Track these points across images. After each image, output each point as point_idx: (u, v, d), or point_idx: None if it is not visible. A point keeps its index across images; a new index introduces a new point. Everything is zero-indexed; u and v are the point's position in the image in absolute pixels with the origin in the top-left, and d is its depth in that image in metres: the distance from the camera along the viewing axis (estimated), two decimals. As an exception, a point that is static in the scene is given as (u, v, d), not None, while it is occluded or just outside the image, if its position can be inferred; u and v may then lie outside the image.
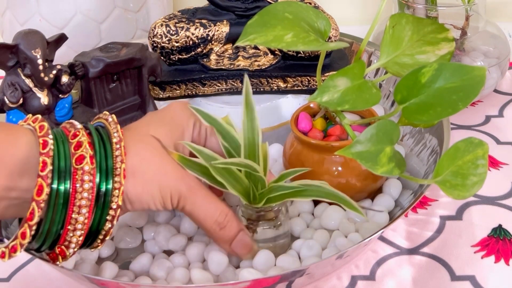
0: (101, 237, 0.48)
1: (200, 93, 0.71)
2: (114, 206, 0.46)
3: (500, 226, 0.61)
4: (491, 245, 0.59)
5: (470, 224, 0.61)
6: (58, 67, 0.58)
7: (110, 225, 0.47)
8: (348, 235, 0.57)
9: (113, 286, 0.51)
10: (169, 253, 0.58)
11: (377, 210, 0.59)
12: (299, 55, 0.70)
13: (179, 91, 0.70)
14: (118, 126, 0.48)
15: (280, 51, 0.70)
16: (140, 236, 0.60)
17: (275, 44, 0.51)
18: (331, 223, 0.59)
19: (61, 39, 0.59)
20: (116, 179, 0.46)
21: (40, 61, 0.56)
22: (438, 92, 0.50)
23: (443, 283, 0.55)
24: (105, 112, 0.50)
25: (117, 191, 0.46)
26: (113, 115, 0.50)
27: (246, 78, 0.55)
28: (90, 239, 0.48)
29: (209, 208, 0.51)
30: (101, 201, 0.46)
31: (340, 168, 0.59)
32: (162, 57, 0.70)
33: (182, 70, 0.71)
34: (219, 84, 0.70)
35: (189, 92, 0.70)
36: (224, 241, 0.52)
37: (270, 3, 0.68)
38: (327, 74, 0.69)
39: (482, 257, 0.57)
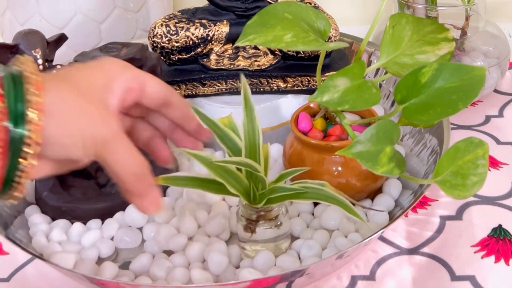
0: (17, 180, 0.43)
1: (200, 93, 0.71)
2: (31, 146, 0.42)
3: (500, 226, 0.61)
4: (491, 245, 0.59)
5: (470, 224, 0.61)
6: (58, 67, 0.58)
7: (27, 166, 0.42)
8: (348, 235, 0.57)
9: (113, 286, 0.51)
10: (169, 253, 0.58)
11: (377, 209, 0.59)
12: (299, 55, 0.70)
13: (179, 91, 0.70)
14: (35, 66, 0.44)
15: (280, 51, 0.70)
16: (140, 236, 0.60)
17: (275, 44, 0.51)
18: (331, 223, 0.59)
19: (61, 39, 0.59)
20: (31, 115, 0.41)
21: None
22: (438, 92, 0.50)
23: (443, 283, 0.55)
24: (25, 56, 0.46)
25: (34, 126, 0.42)
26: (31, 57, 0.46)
27: (243, 79, 0.56)
28: (7, 184, 0.43)
29: (129, 158, 0.47)
30: (16, 139, 0.42)
31: (340, 168, 0.59)
32: (162, 57, 0.70)
33: (182, 70, 0.71)
34: (219, 84, 0.70)
35: (189, 92, 0.70)
36: (137, 194, 0.48)
37: (270, 3, 0.68)
38: (327, 74, 0.69)
39: (482, 257, 0.57)
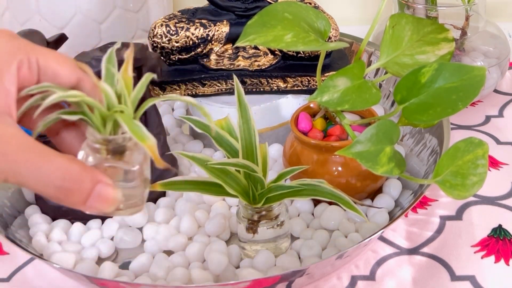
0: None
1: (200, 93, 0.71)
2: None
3: (500, 226, 0.61)
4: (491, 245, 0.59)
5: (470, 224, 0.61)
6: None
7: None
8: (348, 235, 0.57)
9: (113, 286, 0.51)
10: (169, 253, 0.58)
11: (375, 206, 0.60)
12: (299, 55, 0.70)
13: (179, 91, 0.70)
14: None
15: (280, 51, 0.70)
16: (140, 236, 0.60)
17: (275, 44, 0.51)
18: (331, 223, 0.59)
19: (61, 39, 0.59)
20: None
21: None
22: (438, 92, 0.50)
23: (443, 283, 0.55)
24: None
25: None
26: None
27: (235, 79, 0.56)
28: None
29: (41, 174, 0.38)
30: None
31: (340, 168, 0.59)
32: (162, 57, 0.70)
33: (182, 70, 0.71)
34: (219, 84, 0.70)
35: (189, 92, 0.70)
36: (77, 203, 0.40)
37: (270, 3, 0.68)
38: (327, 74, 0.69)
39: (482, 257, 0.57)
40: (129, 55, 0.44)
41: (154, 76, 0.47)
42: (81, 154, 0.43)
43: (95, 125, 0.42)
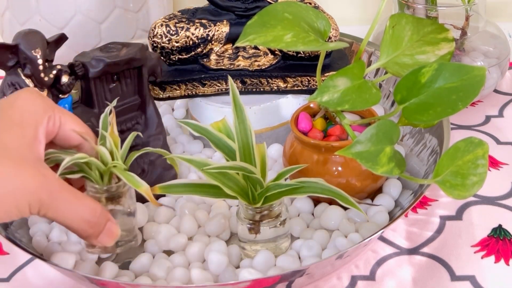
0: None
1: (200, 93, 0.71)
2: None
3: (500, 226, 0.61)
4: (491, 245, 0.59)
5: (470, 224, 0.61)
6: (58, 67, 0.58)
7: None
8: (348, 235, 0.57)
9: (113, 286, 0.51)
10: (169, 253, 0.58)
11: (374, 204, 0.60)
12: (299, 55, 0.70)
13: (179, 91, 0.70)
14: None
15: (280, 51, 0.70)
16: (140, 236, 0.60)
17: (275, 45, 0.51)
18: (331, 223, 0.59)
19: (61, 39, 0.59)
20: None
21: (40, 61, 0.56)
22: (438, 92, 0.50)
23: (443, 283, 0.55)
24: None
25: None
26: None
27: (230, 80, 0.56)
28: None
29: (75, 211, 0.48)
30: None
31: (340, 168, 0.59)
32: (162, 57, 0.70)
33: (182, 70, 0.71)
34: (219, 84, 0.70)
35: (189, 92, 0.70)
36: (93, 238, 0.50)
37: (270, 3, 0.68)
38: (327, 74, 0.69)
39: (482, 257, 0.57)
40: (112, 118, 0.53)
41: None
42: None
43: (94, 179, 0.52)
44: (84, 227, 0.49)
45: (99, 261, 0.57)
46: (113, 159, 0.52)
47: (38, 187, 0.46)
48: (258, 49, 0.71)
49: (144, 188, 0.50)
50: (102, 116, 0.54)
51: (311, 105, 0.63)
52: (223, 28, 0.69)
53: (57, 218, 0.47)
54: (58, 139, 0.51)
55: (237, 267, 0.56)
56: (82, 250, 0.58)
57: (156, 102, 0.67)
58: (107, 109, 0.54)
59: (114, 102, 0.56)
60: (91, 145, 0.52)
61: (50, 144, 0.51)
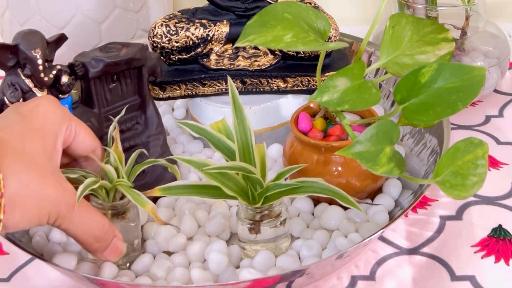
0: None
1: (200, 93, 0.71)
2: None
3: (500, 226, 0.61)
4: (491, 245, 0.59)
5: (470, 224, 0.61)
6: (58, 67, 0.58)
7: None
8: (348, 235, 0.57)
9: (113, 286, 0.51)
10: (169, 253, 0.58)
11: (374, 204, 0.60)
12: (299, 55, 0.70)
13: (179, 91, 0.70)
14: None
15: (280, 51, 0.70)
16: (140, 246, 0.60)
17: (275, 45, 0.51)
18: (331, 223, 0.59)
19: (61, 39, 0.59)
20: None
21: (40, 61, 0.56)
22: (437, 92, 0.50)
23: (443, 283, 0.55)
24: None
25: None
26: None
27: (229, 80, 0.56)
28: None
29: (87, 224, 0.50)
30: None
31: (340, 168, 0.59)
32: (162, 57, 0.70)
33: (182, 70, 0.71)
34: (219, 84, 0.70)
35: (189, 92, 0.70)
36: (99, 252, 0.52)
37: (270, 3, 0.68)
38: (327, 74, 0.69)
39: (482, 257, 0.57)
40: (116, 134, 0.54)
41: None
42: None
43: (100, 196, 0.53)
44: (92, 241, 0.50)
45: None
46: (118, 176, 0.53)
47: (59, 199, 0.47)
48: (258, 49, 0.71)
49: (149, 207, 0.51)
50: (110, 129, 0.55)
51: (311, 105, 0.63)
52: (223, 28, 0.69)
53: (69, 230, 0.49)
54: (71, 148, 0.53)
55: (237, 267, 0.56)
56: (82, 250, 0.58)
57: (156, 102, 0.67)
58: (111, 127, 0.55)
59: (118, 118, 0.56)
60: (98, 162, 0.53)
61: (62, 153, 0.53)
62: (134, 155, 0.55)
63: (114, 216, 0.54)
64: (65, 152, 0.53)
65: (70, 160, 0.55)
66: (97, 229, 0.50)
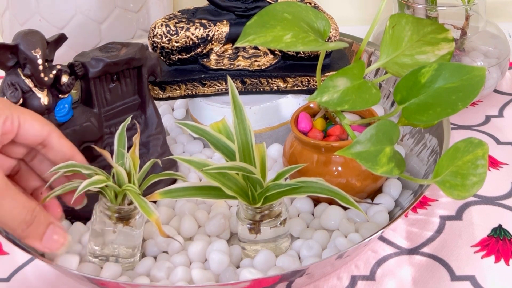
0: None
1: (200, 93, 0.71)
2: None
3: (500, 226, 0.61)
4: (491, 245, 0.59)
5: (470, 224, 0.61)
6: (58, 67, 0.58)
7: None
8: (348, 235, 0.57)
9: (113, 286, 0.51)
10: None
11: (374, 203, 0.59)
12: (299, 55, 0.70)
13: (179, 91, 0.70)
14: None
15: (280, 51, 0.70)
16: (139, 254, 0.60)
17: (274, 45, 0.51)
18: (331, 223, 0.59)
19: (61, 39, 0.59)
20: None
21: (40, 61, 0.56)
22: (437, 92, 0.50)
23: (443, 283, 0.55)
24: None
25: None
26: None
27: (229, 80, 0.56)
28: None
29: (13, 209, 0.48)
30: None
31: (340, 168, 0.59)
32: (162, 57, 0.70)
33: (182, 70, 0.71)
34: (219, 84, 0.70)
35: (189, 92, 0.70)
36: (34, 238, 0.50)
37: (270, 3, 0.68)
38: (327, 74, 0.69)
39: (482, 257, 0.57)
40: (136, 139, 0.55)
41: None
42: (93, 217, 0.55)
43: (109, 197, 0.53)
44: (22, 227, 0.49)
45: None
46: (129, 181, 0.53)
47: None
48: (258, 49, 0.71)
49: (155, 217, 0.51)
50: (118, 133, 0.55)
51: (311, 105, 0.63)
52: (223, 28, 0.69)
53: None
54: (20, 138, 0.52)
55: (237, 267, 0.56)
56: (82, 250, 0.58)
57: (156, 102, 0.67)
58: (135, 138, 0.55)
59: (122, 123, 0.57)
60: (110, 162, 0.53)
61: (13, 143, 0.52)
62: (148, 164, 0.55)
63: (118, 220, 0.54)
64: (18, 143, 0.53)
65: (27, 150, 0.54)
66: (25, 213, 0.49)
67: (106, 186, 0.52)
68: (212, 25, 0.69)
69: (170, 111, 0.79)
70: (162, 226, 0.57)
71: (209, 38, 0.69)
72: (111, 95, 0.62)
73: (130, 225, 0.54)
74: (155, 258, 0.57)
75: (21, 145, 0.53)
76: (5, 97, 0.56)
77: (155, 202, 0.63)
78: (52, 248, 0.51)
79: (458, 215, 0.63)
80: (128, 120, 0.57)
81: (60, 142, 0.53)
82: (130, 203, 0.54)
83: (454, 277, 0.55)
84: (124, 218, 0.54)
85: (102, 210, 0.54)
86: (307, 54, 0.70)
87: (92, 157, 0.61)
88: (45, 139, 0.52)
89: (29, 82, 0.57)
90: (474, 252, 0.58)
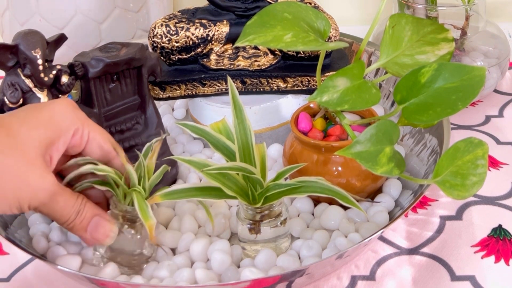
0: None
1: (200, 93, 0.71)
2: None
3: (500, 226, 0.61)
4: (491, 245, 0.59)
5: (470, 224, 0.61)
6: (58, 67, 0.58)
7: None
8: (348, 235, 0.57)
9: (113, 286, 0.51)
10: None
11: (375, 201, 0.59)
12: (299, 55, 0.70)
13: (179, 91, 0.70)
14: None
15: (280, 51, 0.70)
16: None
17: (274, 45, 0.51)
18: (331, 223, 0.59)
19: (61, 39, 0.59)
20: None
21: (40, 61, 0.56)
22: (437, 92, 0.50)
23: (443, 283, 0.55)
24: None
25: None
26: None
27: (229, 80, 0.56)
28: None
29: (66, 208, 0.50)
30: None
31: (340, 168, 0.59)
32: (162, 57, 0.70)
33: (182, 70, 0.71)
34: (219, 84, 0.70)
35: (189, 92, 0.70)
36: (79, 230, 0.52)
37: (270, 3, 0.68)
38: (327, 74, 0.69)
39: (482, 257, 0.57)
40: (157, 146, 0.55)
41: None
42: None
43: (118, 196, 0.53)
44: (69, 220, 0.51)
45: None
46: (139, 184, 0.53)
47: (41, 189, 0.48)
48: (258, 49, 0.71)
49: (149, 223, 0.51)
50: (153, 141, 0.55)
51: (311, 105, 0.63)
52: (223, 28, 0.69)
53: (49, 214, 0.50)
54: (86, 153, 0.53)
55: (238, 266, 0.56)
56: (82, 250, 0.58)
57: (156, 102, 0.67)
58: (154, 140, 0.55)
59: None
60: (120, 162, 0.54)
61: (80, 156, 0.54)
62: (161, 169, 0.55)
63: (125, 221, 0.54)
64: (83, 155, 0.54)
65: None
66: (74, 209, 0.51)
67: (116, 185, 0.53)
68: (212, 25, 0.69)
69: (170, 111, 0.79)
70: (161, 227, 0.57)
71: (209, 38, 0.69)
72: (111, 95, 0.62)
73: (135, 229, 0.54)
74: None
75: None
76: (5, 97, 0.56)
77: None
78: (98, 239, 0.52)
79: (458, 215, 0.63)
80: (155, 142, 0.56)
81: (123, 168, 0.54)
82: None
83: (454, 277, 0.55)
84: (129, 220, 0.54)
85: (112, 210, 0.54)
86: (307, 54, 0.70)
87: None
88: (108, 160, 0.54)
89: (29, 82, 0.57)
90: (474, 252, 0.58)
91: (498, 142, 0.73)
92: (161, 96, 0.70)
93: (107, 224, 0.52)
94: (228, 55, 0.70)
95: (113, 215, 0.54)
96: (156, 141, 0.55)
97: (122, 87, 0.63)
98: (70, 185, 0.54)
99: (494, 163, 0.70)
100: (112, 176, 0.52)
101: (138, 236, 0.54)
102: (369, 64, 0.78)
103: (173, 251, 0.58)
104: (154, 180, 0.54)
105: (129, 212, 0.53)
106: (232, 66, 0.70)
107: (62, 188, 0.50)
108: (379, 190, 0.63)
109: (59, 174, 0.54)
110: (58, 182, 0.50)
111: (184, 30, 0.68)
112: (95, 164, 0.53)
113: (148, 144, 0.55)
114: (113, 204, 0.54)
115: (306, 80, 0.70)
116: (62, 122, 0.51)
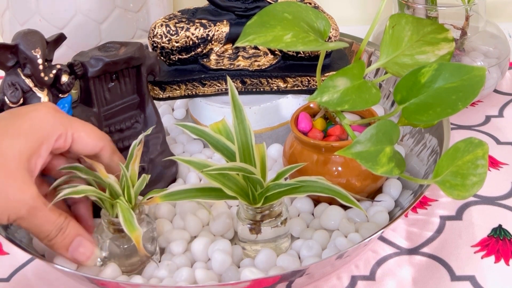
0: None
1: (200, 93, 0.71)
2: None
3: (500, 226, 0.61)
4: (491, 245, 0.59)
5: (470, 224, 0.61)
6: (58, 66, 0.58)
7: None
8: (348, 235, 0.57)
9: (113, 286, 0.51)
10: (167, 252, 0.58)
11: (375, 200, 0.59)
12: (299, 55, 0.70)
13: (179, 91, 0.70)
14: None
15: (280, 51, 0.70)
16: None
17: (274, 45, 0.51)
18: (331, 223, 0.59)
19: (60, 39, 0.59)
20: None
21: (40, 61, 0.56)
22: (437, 92, 0.50)
23: (443, 283, 0.55)
24: None
25: None
26: None
27: (229, 80, 0.56)
28: None
29: (45, 224, 0.50)
30: None
31: (340, 168, 0.59)
32: (162, 57, 0.70)
33: (182, 70, 0.71)
34: (219, 84, 0.70)
35: (189, 92, 0.70)
36: (59, 248, 0.51)
37: (270, 3, 0.68)
38: (327, 74, 0.69)
39: (482, 257, 0.57)
40: (138, 151, 0.54)
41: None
42: (99, 227, 0.55)
43: (105, 206, 0.53)
44: (48, 237, 0.50)
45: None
46: (124, 193, 0.53)
47: (20, 202, 0.48)
48: (258, 49, 0.71)
49: (135, 234, 0.50)
50: (133, 145, 0.55)
51: (311, 105, 0.63)
52: (223, 28, 0.69)
53: (29, 229, 0.50)
54: (72, 152, 0.53)
55: (238, 266, 0.56)
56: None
57: (156, 102, 0.67)
58: (134, 143, 0.54)
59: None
60: (108, 155, 0.54)
61: (66, 154, 0.54)
62: (141, 180, 0.54)
63: (116, 232, 0.53)
64: (66, 155, 0.54)
65: (74, 160, 0.55)
66: (53, 227, 0.50)
67: (101, 196, 0.52)
68: (212, 25, 0.69)
69: (170, 111, 0.79)
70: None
71: (209, 38, 0.69)
72: (110, 94, 0.62)
73: (125, 239, 0.53)
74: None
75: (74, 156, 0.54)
76: (5, 97, 0.56)
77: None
78: (78, 259, 0.52)
79: (458, 215, 0.63)
80: (141, 140, 0.56)
81: (112, 158, 0.55)
82: None
83: (454, 277, 0.55)
84: (119, 230, 0.53)
85: (102, 221, 0.54)
86: (307, 54, 0.70)
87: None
88: (96, 153, 0.54)
89: (29, 82, 0.57)
90: (474, 252, 0.58)
91: (498, 142, 0.73)
92: (161, 96, 0.70)
93: (89, 245, 0.52)
94: (228, 55, 0.70)
95: (104, 227, 0.54)
96: (138, 145, 0.54)
97: (121, 86, 0.63)
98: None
99: (494, 163, 0.70)
100: (93, 194, 0.52)
101: (126, 246, 0.54)
102: (369, 64, 0.78)
103: (174, 251, 0.58)
104: (138, 190, 0.54)
105: (116, 223, 0.53)
106: (232, 66, 0.70)
107: (43, 202, 0.49)
108: (379, 190, 0.63)
109: (42, 173, 0.54)
110: (39, 196, 0.49)
111: (184, 30, 0.68)
112: (78, 176, 0.53)
113: (131, 147, 0.55)
114: (103, 215, 0.54)
115: (306, 80, 0.70)
116: (43, 129, 0.50)
